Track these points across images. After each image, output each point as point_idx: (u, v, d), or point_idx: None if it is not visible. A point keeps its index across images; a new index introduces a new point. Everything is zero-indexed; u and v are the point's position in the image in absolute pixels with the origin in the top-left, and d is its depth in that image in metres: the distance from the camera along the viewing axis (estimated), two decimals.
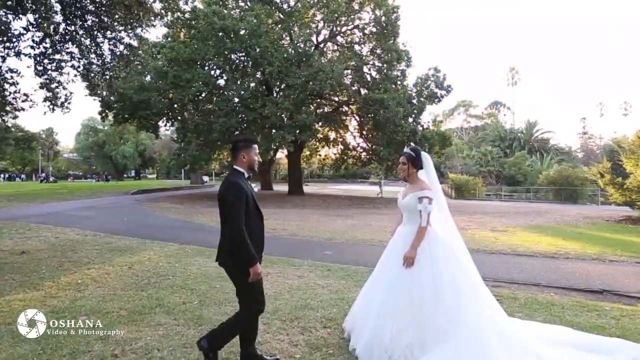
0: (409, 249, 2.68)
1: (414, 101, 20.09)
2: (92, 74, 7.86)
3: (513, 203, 23.31)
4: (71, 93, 8.07)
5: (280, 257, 6.43)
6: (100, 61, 7.79)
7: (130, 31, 7.84)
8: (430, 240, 2.70)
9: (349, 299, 4.14)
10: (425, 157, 2.93)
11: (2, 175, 59.88)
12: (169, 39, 20.31)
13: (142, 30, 8.43)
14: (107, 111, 18.48)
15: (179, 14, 20.59)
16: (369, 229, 10.18)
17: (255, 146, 2.69)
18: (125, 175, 65.41)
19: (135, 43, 8.58)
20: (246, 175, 2.62)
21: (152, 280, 4.85)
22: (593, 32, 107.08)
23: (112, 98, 17.86)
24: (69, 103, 8.17)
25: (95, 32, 7.25)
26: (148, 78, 19.76)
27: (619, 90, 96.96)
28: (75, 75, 7.95)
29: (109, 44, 7.77)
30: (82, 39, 7.17)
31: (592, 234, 9.54)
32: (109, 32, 7.37)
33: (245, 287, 2.54)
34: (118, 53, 8.05)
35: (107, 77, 8.14)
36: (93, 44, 7.44)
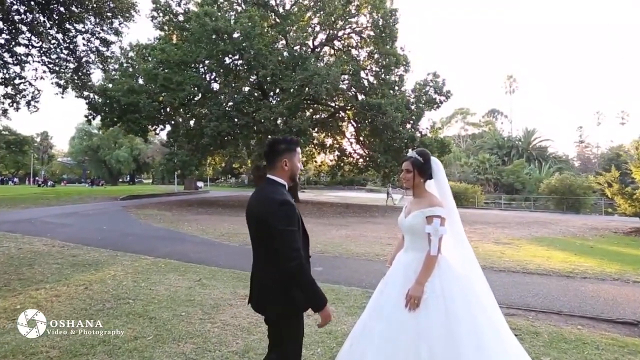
0: (413, 285, 2.00)
1: (413, 107, 19.53)
2: (62, 70, 7.18)
3: (513, 212, 22.68)
4: (39, 91, 7.39)
5: None
6: (73, 56, 7.12)
7: (106, 24, 7.18)
8: (442, 273, 2.02)
9: (338, 333, 3.45)
10: (436, 163, 2.27)
11: None
12: (161, 40, 19.73)
13: (119, 25, 7.75)
14: (93, 114, 17.74)
15: (171, 15, 20.14)
16: (364, 240, 9.48)
17: (299, 149, 2.06)
18: (120, 180, 64.54)
19: (112, 38, 7.91)
20: (287, 187, 1.98)
21: (107, 306, 4.12)
22: (590, 41, 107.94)
23: (99, 100, 17.19)
24: (36, 101, 7.48)
25: (66, 25, 6.58)
26: (140, 81, 19.14)
27: (616, 99, 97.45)
28: (44, 72, 7.27)
29: (83, 38, 7.12)
30: (50, 30, 6.50)
31: (604, 249, 8.88)
32: (81, 25, 6.72)
33: (291, 339, 1.94)
34: (93, 48, 7.40)
35: (80, 74, 7.46)
36: (64, 37, 6.78)
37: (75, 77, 7.58)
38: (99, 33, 7.53)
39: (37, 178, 55.10)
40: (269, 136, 17.63)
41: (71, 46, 7.05)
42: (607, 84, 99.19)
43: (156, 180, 68.44)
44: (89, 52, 7.46)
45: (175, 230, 10.76)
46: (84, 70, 7.59)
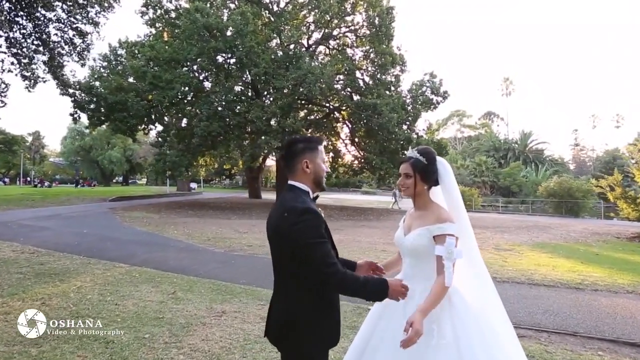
0: (415, 313, 1.52)
1: (409, 107, 19.13)
2: (31, 63, 6.63)
3: (511, 216, 22.30)
4: (7, 85, 6.83)
5: (245, 286, 5.22)
6: (44, 47, 6.58)
7: (80, 14, 6.65)
8: (456, 313, 1.57)
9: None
10: (443, 165, 1.78)
11: None
12: (151, 38, 19.19)
13: (96, 14, 7.22)
14: (79, 112, 17.14)
15: (161, 11, 19.59)
16: (357, 247, 8.99)
17: (322, 149, 1.72)
18: (114, 181, 63.63)
19: (89, 29, 7.37)
20: (312, 195, 1.66)
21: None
22: (586, 44, 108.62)
23: (85, 98, 16.59)
24: (3, 95, 6.92)
25: (36, 12, 6.05)
26: (131, 79, 18.56)
27: (611, 102, 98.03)
28: (12, 64, 6.72)
29: (55, 28, 6.59)
30: (17, 19, 5.96)
31: (611, 256, 8.46)
32: (52, 13, 6.19)
33: None
34: (67, 39, 6.87)
35: (52, 66, 6.92)
36: (34, 27, 6.24)
37: (47, 70, 7.03)
38: (74, 23, 6.97)
39: (28, 178, 54.15)
40: (262, 137, 17.22)
41: (43, 36, 6.50)
42: (603, 87, 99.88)
43: (150, 181, 67.57)
44: (63, 43, 6.90)
45: (159, 234, 10.21)
46: (56, 62, 7.03)
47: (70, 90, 16.48)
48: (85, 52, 7.47)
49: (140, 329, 3.58)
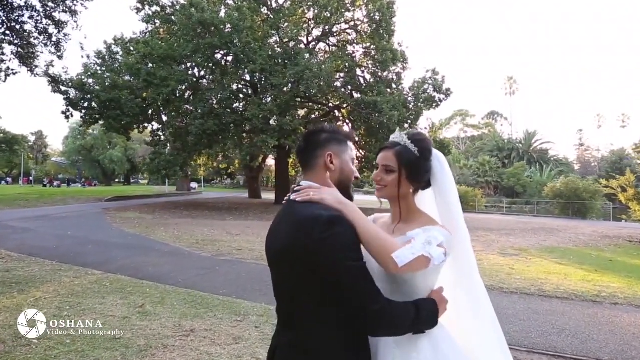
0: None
1: (410, 106, 18.58)
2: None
3: (516, 217, 21.66)
4: None
5: (224, 297, 4.69)
6: (14, 36, 6.10)
7: (54, 1, 6.16)
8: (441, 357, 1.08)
9: None
10: (439, 160, 1.25)
11: None
12: (147, 35, 18.74)
13: (73, 2, 6.73)
14: (71, 110, 16.70)
15: (157, 7, 19.13)
16: None
17: (352, 146, 1.30)
18: (116, 181, 63.50)
19: (65, 17, 6.88)
20: None
21: None
22: (591, 43, 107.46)
23: (77, 95, 16.16)
24: None
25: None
26: (127, 77, 18.13)
27: (617, 102, 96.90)
28: None
29: (30, 17, 6.12)
30: None
31: (626, 262, 7.88)
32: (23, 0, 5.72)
33: None
34: (41, 28, 6.40)
35: (22, 55, 6.44)
36: (4, 14, 5.77)
37: (20, 62, 6.57)
38: (50, 10, 6.49)
39: (30, 178, 54.14)
40: (262, 135, 16.69)
41: (16, 25, 6.04)
42: (608, 86, 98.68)
43: (152, 181, 67.32)
44: (36, 32, 6.43)
45: (146, 236, 9.72)
46: (28, 52, 6.55)
47: (63, 88, 16.07)
48: (63, 43, 6.96)
49: (88, 354, 3.07)
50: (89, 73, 17.27)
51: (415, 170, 1.19)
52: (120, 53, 18.97)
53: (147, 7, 18.93)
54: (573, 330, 3.81)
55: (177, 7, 17.69)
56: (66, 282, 5.22)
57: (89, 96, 16.71)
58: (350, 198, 1.22)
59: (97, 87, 16.39)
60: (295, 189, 1.23)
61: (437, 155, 1.25)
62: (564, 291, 5.16)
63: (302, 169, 1.27)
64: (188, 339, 3.46)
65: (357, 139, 21.57)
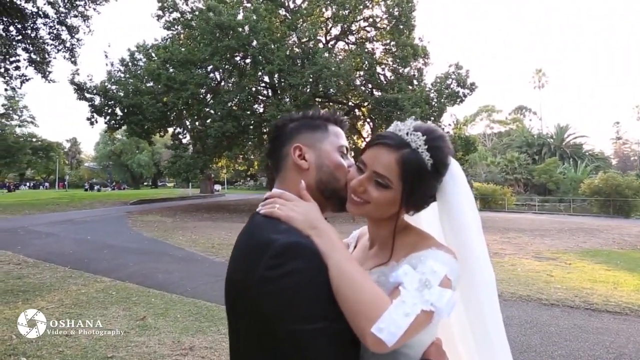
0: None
1: (433, 102, 17.82)
2: (12, 58, 6.15)
3: (549, 216, 20.37)
4: None
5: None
6: (27, 42, 6.09)
7: (65, 6, 6.10)
8: None
9: None
10: (452, 174, 0.84)
11: (27, 184, 61.59)
12: (169, 40, 18.96)
13: (85, 6, 6.67)
14: (95, 115, 17.09)
15: (177, 13, 19.34)
16: None
17: (340, 133, 0.96)
18: (144, 184, 65.62)
19: (78, 23, 6.85)
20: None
21: None
22: (625, 29, 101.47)
23: (102, 101, 16.53)
24: None
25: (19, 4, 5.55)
26: (149, 83, 18.42)
27: None
28: None
29: (44, 24, 6.10)
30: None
31: None
32: (30, 4, 5.68)
33: None
34: (54, 33, 6.37)
35: (37, 62, 6.43)
36: (18, 20, 5.76)
37: (33, 67, 6.59)
38: (62, 16, 6.46)
39: (65, 182, 56.73)
40: None
41: (31, 33, 6.05)
42: None
43: (178, 183, 68.99)
44: (50, 37, 6.43)
45: (162, 240, 9.62)
46: (41, 58, 6.55)
47: (88, 95, 16.47)
48: (76, 49, 6.94)
49: None
50: (113, 80, 17.64)
51: (419, 188, 0.79)
52: (143, 59, 19.31)
53: (167, 14, 19.18)
54: (633, 355, 3.22)
55: (197, 12, 17.79)
56: (73, 290, 5.07)
57: (112, 102, 17.07)
58: (342, 208, 0.83)
59: (120, 93, 16.68)
60: (264, 198, 0.89)
61: (452, 169, 0.83)
62: (615, 304, 4.52)
63: (273, 172, 0.95)
64: (187, 356, 3.15)
65: (369, 132, 20.94)
